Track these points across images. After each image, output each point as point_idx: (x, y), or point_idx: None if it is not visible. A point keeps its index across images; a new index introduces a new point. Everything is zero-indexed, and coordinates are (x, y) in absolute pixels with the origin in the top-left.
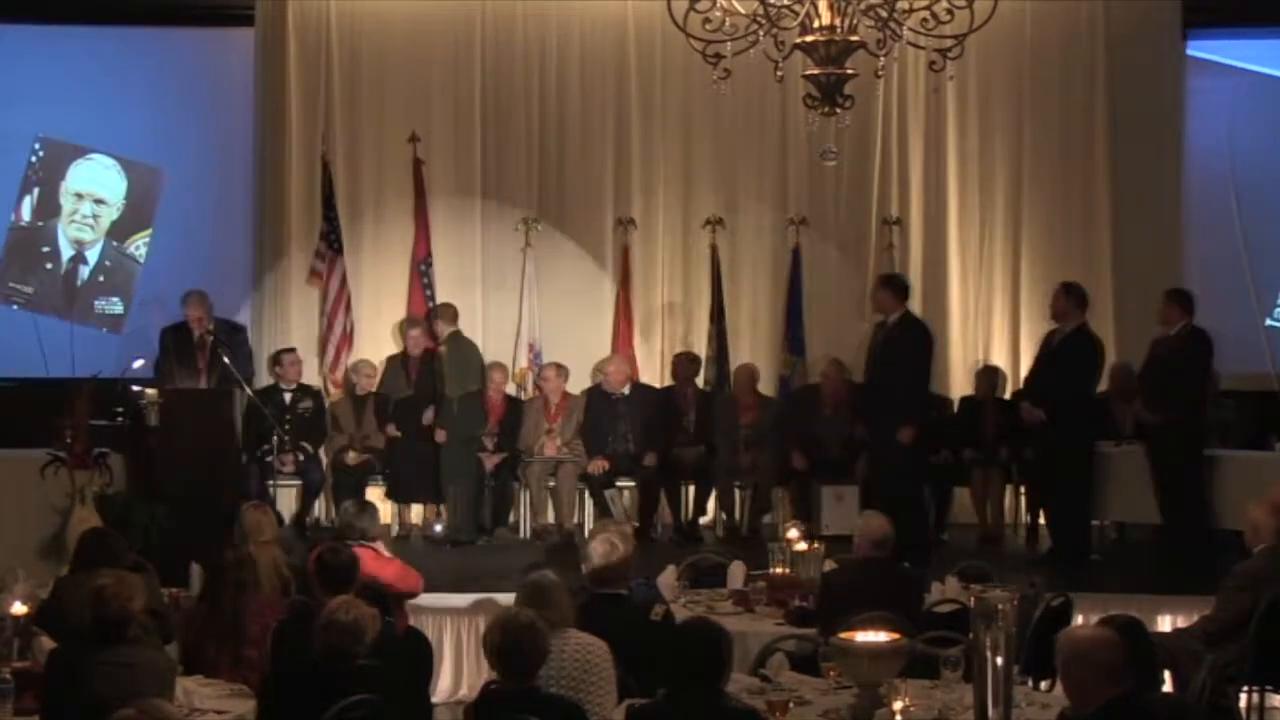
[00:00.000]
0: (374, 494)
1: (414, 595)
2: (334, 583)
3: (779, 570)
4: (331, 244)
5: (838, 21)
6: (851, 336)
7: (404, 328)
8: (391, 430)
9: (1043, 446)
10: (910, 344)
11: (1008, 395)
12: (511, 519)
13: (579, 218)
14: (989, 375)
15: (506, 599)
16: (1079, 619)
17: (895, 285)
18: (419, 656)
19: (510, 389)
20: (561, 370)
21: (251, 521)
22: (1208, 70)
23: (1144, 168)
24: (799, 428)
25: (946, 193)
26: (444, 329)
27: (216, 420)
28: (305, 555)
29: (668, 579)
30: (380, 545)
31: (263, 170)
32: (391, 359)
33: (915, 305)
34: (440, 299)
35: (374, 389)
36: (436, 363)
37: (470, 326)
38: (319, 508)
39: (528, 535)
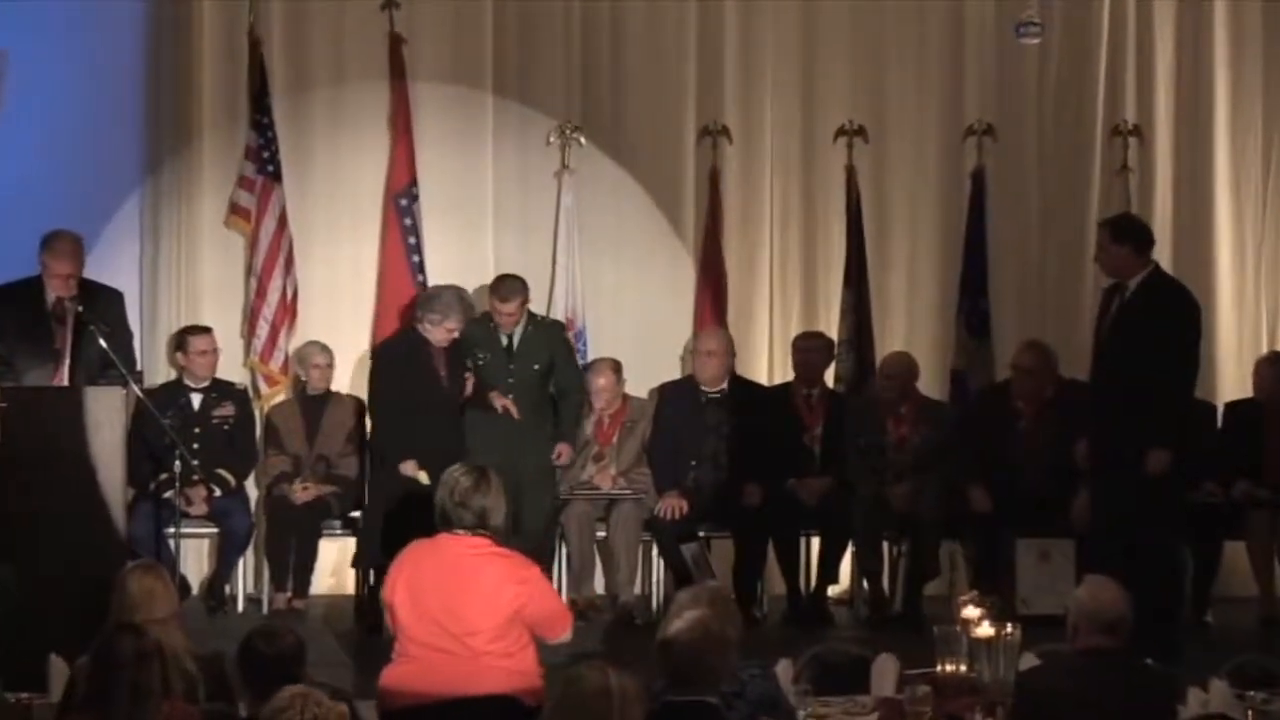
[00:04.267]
0: (333, 550)
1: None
2: (266, 684)
3: (951, 668)
4: (264, 166)
5: None
6: (1065, 310)
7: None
8: (411, 470)
9: None
10: (1164, 320)
11: None
12: None
13: (643, 127)
14: (1276, 368)
15: None
16: None
17: (1132, 232)
18: None
19: None
20: (616, 367)
21: (139, 591)
22: None
23: None
24: (982, 449)
25: (1212, 88)
26: (509, 309)
27: (84, 436)
28: (224, 643)
29: (781, 680)
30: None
31: (157, 53)
32: (392, 346)
33: (1162, 258)
34: (430, 244)
35: (330, 385)
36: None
37: (476, 292)
38: (245, 569)
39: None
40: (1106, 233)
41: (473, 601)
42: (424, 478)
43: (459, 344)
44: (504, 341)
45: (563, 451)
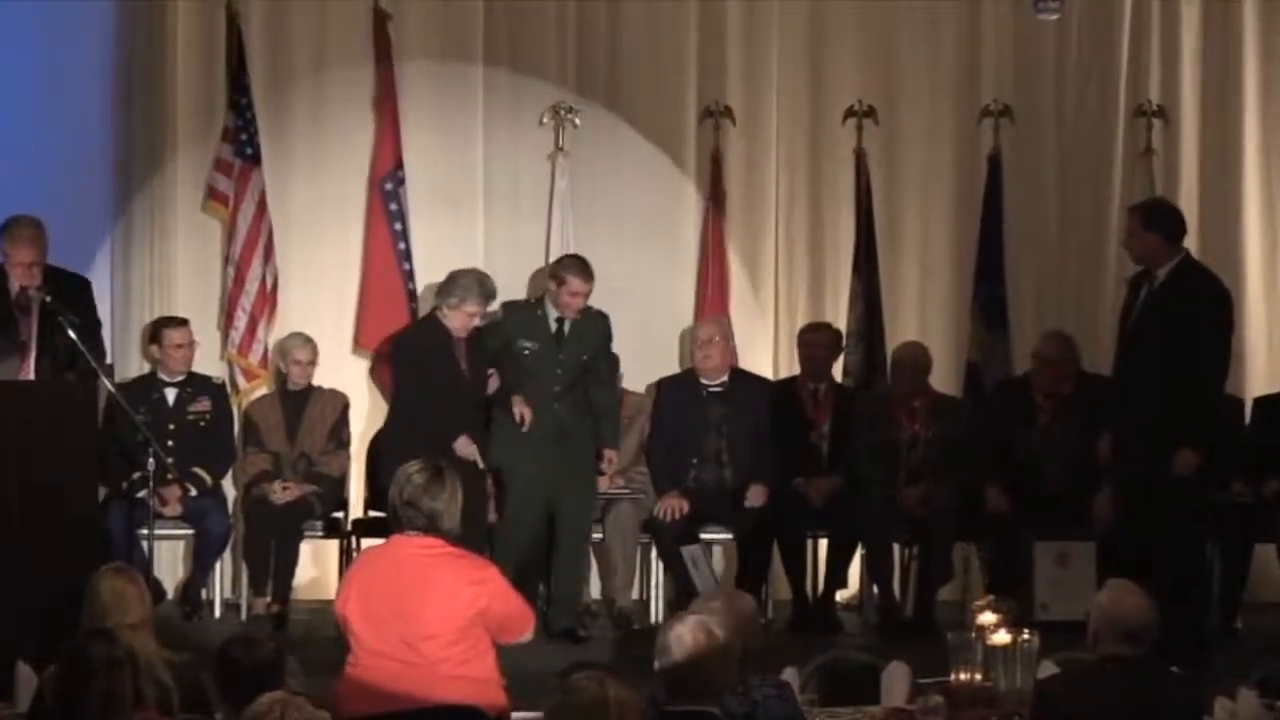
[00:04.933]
0: (315, 553)
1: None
2: (243, 694)
3: (965, 677)
4: (242, 148)
5: None
6: (1086, 300)
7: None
8: (465, 448)
9: None
10: (1195, 312)
11: None
12: (540, 589)
13: (642, 107)
14: None
15: None
16: None
17: (1165, 219)
18: None
19: None
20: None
21: (110, 595)
22: None
23: None
24: (998, 446)
25: (1241, 64)
26: (588, 289)
27: (54, 433)
28: (199, 650)
29: None
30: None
31: (130, 28)
32: (411, 336)
33: (1188, 245)
34: (417, 231)
35: (312, 380)
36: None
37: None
38: (223, 572)
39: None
40: (1137, 218)
41: (428, 605)
42: (476, 454)
43: (482, 337)
44: (553, 329)
45: (613, 458)
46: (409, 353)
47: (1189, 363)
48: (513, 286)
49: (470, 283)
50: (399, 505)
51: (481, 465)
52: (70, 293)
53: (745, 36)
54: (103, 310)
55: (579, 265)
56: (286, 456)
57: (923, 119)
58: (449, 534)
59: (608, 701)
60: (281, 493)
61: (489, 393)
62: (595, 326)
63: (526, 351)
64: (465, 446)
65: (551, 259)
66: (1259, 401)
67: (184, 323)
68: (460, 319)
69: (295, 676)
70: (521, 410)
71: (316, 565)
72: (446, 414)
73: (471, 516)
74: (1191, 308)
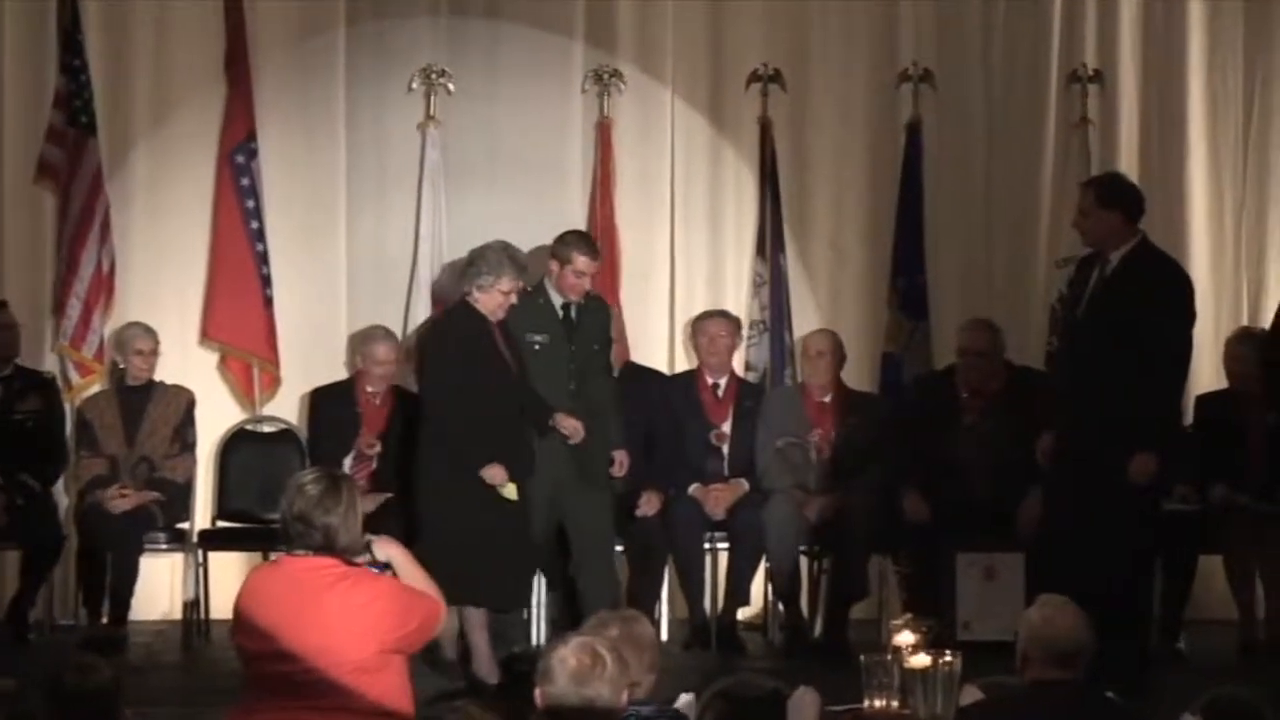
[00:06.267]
0: (157, 568)
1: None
2: None
3: (880, 703)
4: (75, 116)
5: None
6: (1015, 287)
7: None
8: (499, 477)
9: None
10: (1152, 300)
11: None
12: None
13: (521, 71)
14: (1257, 351)
15: None
16: None
17: (1123, 196)
18: None
19: (393, 379)
20: None
21: None
22: None
23: None
24: (918, 448)
25: (1184, 22)
26: (595, 267)
27: None
28: (29, 676)
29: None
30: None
31: None
32: (446, 325)
33: None
34: (272, 208)
35: (154, 374)
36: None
37: (326, 262)
38: (54, 590)
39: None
40: (1092, 195)
41: (323, 635)
42: (512, 490)
43: (505, 322)
44: (560, 315)
45: (623, 460)
46: (462, 344)
47: (1147, 356)
48: (380, 282)
49: (499, 258)
50: (290, 520)
51: (514, 497)
52: None
53: None
54: None
55: (584, 241)
56: (125, 460)
57: (834, 84)
58: (345, 552)
59: None
60: (119, 500)
61: None
62: (600, 312)
63: (537, 346)
64: (498, 475)
65: (421, 239)
66: (1202, 399)
67: (2, 305)
68: (495, 300)
69: (135, 706)
70: (572, 424)
71: (158, 581)
72: (496, 414)
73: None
74: (1149, 297)
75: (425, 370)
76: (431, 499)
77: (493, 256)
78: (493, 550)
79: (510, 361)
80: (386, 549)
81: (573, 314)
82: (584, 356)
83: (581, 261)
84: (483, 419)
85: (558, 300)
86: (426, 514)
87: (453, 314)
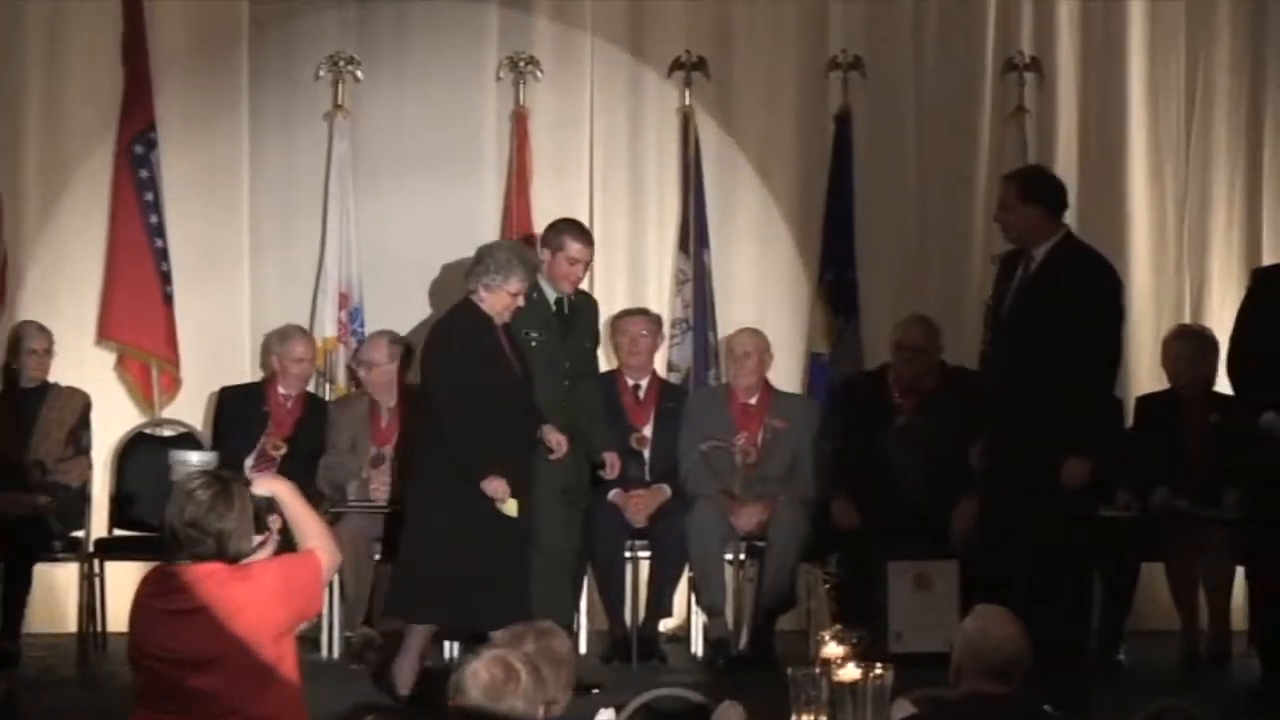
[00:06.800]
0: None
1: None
2: None
3: (808, 718)
4: None
5: None
6: (948, 283)
7: None
8: (500, 490)
9: None
10: (1082, 296)
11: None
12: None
13: (433, 58)
14: (1196, 349)
15: None
16: None
17: (1045, 190)
18: None
19: (309, 379)
20: (395, 343)
21: None
22: None
23: None
24: (848, 452)
25: (1125, 8)
26: (588, 257)
27: None
28: None
29: None
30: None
31: None
32: (453, 327)
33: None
34: (171, 201)
35: (48, 375)
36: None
37: (229, 258)
38: None
39: (336, 653)
40: (1013, 189)
41: (219, 639)
42: (513, 507)
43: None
44: (553, 310)
45: (615, 463)
46: (468, 343)
47: (1075, 356)
48: (289, 278)
49: (508, 257)
50: (179, 527)
51: (514, 513)
52: None
53: None
54: None
55: (576, 228)
56: (17, 465)
57: (760, 72)
58: (235, 558)
59: None
60: (10, 506)
61: None
62: (590, 309)
63: (534, 343)
64: (499, 489)
65: (329, 233)
66: (1143, 401)
67: None
68: (502, 300)
69: None
70: (558, 438)
71: (53, 593)
72: (513, 421)
73: None
74: (1076, 292)
75: (430, 369)
76: (422, 502)
77: (501, 255)
78: (476, 566)
79: (515, 363)
80: (269, 485)
81: (565, 309)
82: (577, 355)
83: (575, 248)
84: (487, 424)
85: (551, 294)
86: (415, 517)
87: (462, 314)
